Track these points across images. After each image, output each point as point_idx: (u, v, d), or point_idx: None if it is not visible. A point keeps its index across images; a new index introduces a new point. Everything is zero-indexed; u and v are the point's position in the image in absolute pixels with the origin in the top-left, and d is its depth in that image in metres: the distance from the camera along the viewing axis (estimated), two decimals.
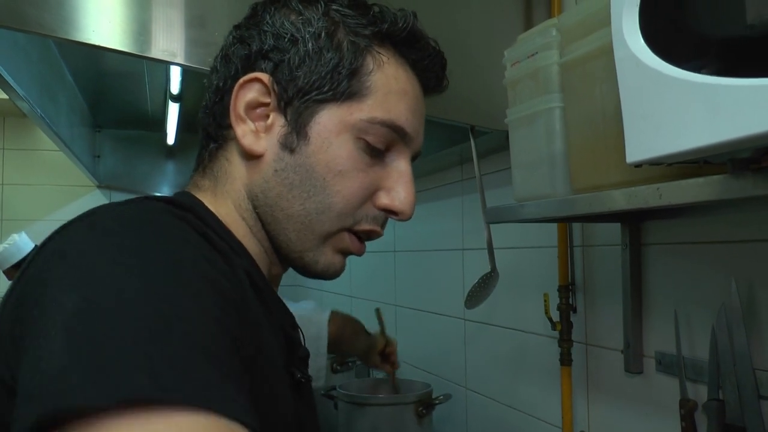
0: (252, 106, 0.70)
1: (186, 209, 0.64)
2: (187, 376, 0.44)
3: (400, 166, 0.73)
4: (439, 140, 1.92)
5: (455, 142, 1.80)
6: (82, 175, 4.14)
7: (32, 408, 0.42)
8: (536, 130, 1.05)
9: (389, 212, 0.74)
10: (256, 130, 0.70)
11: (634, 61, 0.66)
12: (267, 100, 0.70)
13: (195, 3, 1.17)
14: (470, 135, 1.50)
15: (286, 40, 0.69)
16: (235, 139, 0.71)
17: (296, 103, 0.69)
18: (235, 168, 0.72)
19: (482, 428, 1.88)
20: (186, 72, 2.14)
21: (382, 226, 0.75)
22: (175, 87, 2.55)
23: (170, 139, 3.78)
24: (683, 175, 0.77)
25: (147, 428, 0.41)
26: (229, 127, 0.71)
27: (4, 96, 3.65)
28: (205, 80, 0.77)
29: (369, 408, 1.71)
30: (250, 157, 0.71)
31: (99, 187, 4.43)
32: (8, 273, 3.54)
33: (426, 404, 1.73)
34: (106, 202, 4.42)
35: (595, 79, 0.89)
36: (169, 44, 1.15)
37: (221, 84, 0.72)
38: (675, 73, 0.62)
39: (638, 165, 0.70)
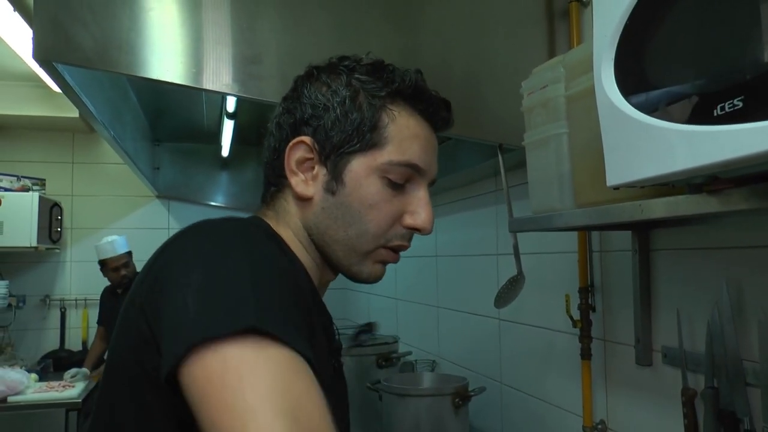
0: (300, 162, 0.89)
1: (260, 225, 0.88)
2: (277, 323, 0.65)
3: (419, 194, 0.92)
4: (474, 155, 2.08)
5: (489, 157, 1.97)
6: (143, 186, 4.39)
7: (181, 341, 0.63)
8: (547, 153, 1.21)
9: (414, 230, 0.92)
10: (306, 180, 0.90)
11: (610, 104, 0.83)
12: (311, 155, 0.89)
13: (253, 42, 1.36)
14: (498, 152, 1.65)
15: (320, 108, 0.88)
16: (290, 186, 0.91)
17: (333, 156, 0.88)
18: (291, 206, 0.92)
19: (514, 419, 2.04)
20: None
21: (409, 240, 0.94)
22: (230, 106, 2.75)
23: (225, 152, 4.01)
24: (662, 194, 0.92)
25: (252, 349, 0.62)
26: (285, 177, 0.90)
27: (74, 114, 3.91)
28: (264, 141, 0.97)
29: (409, 399, 1.88)
30: (303, 200, 0.90)
31: (158, 197, 4.68)
32: (119, 257, 3.80)
33: (462, 396, 1.89)
34: (165, 211, 4.71)
35: (592, 110, 1.04)
36: (229, 78, 1.34)
37: (276, 145, 0.92)
38: (639, 116, 0.78)
39: (616, 188, 0.86)
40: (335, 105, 0.87)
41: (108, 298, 4.02)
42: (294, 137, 0.89)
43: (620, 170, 0.83)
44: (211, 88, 1.32)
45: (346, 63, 0.90)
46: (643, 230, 1.39)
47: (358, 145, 0.87)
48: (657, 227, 1.38)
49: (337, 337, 0.98)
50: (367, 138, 0.87)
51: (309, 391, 0.63)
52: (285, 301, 0.70)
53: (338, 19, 1.45)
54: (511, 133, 1.58)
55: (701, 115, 0.68)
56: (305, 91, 0.90)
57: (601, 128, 0.86)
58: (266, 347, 0.63)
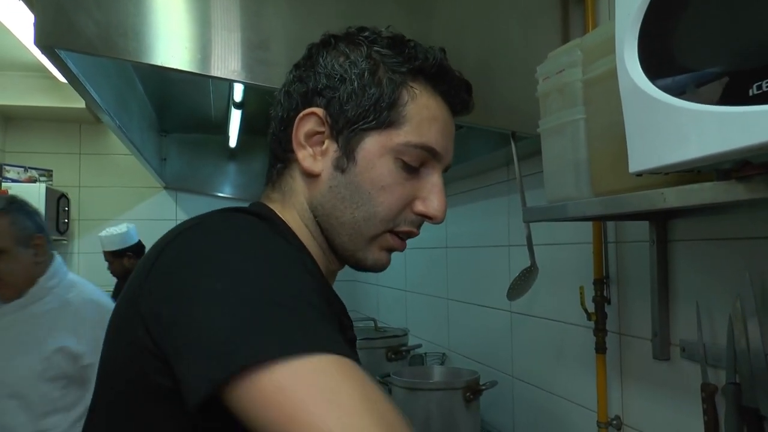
0: (310, 135, 0.84)
1: (266, 219, 0.82)
2: (323, 334, 0.61)
3: (433, 179, 0.86)
4: (486, 143, 2.04)
5: (501, 146, 1.93)
6: (150, 177, 4.37)
7: (225, 364, 0.57)
8: (564, 140, 1.17)
9: (425, 217, 0.87)
10: (314, 154, 0.84)
11: (634, 85, 0.78)
12: (322, 129, 0.83)
13: (261, 28, 1.32)
14: (511, 140, 1.61)
15: (336, 79, 0.82)
16: (297, 161, 0.85)
17: (346, 131, 0.82)
18: (297, 184, 0.87)
19: (526, 414, 2.00)
20: None
21: (418, 227, 0.89)
22: (238, 95, 2.72)
23: (232, 142, 3.98)
24: (685, 181, 0.88)
25: (308, 366, 0.57)
26: (292, 151, 0.85)
27: (81, 105, 3.90)
28: (271, 110, 0.91)
29: (420, 393, 1.85)
30: (310, 176, 0.85)
31: (165, 188, 4.67)
32: (107, 254, 3.83)
33: (473, 390, 1.85)
34: (173, 202, 4.70)
35: (611, 95, 1.00)
36: (236, 65, 1.30)
37: (285, 116, 0.86)
38: (665, 98, 0.74)
39: (639, 174, 0.82)
40: (353, 77, 0.82)
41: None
42: (305, 108, 0.84)
43: (644, 156, 0.79)
44: (218, 75, 1.29)
45: (366, 34, 0.85)
46: (661, 220, 1.35)
47: (374, 122, 0.82)
48: (675, 217, 1.34)
49: (351, 329, 0.94)
50: (384, 116, 0.81)
51: (384, 397, 0.59)
52: (318, 306, 0.65)
53: (347, 5, 1.41)
54: (524, 121, 1.54)
55: (735, 95, 0.64)
56: (321, 60, 0.84)
57: (623, 112, 0.81)
58: (327, 360, 0.58)
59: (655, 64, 0.76)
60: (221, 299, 0.62)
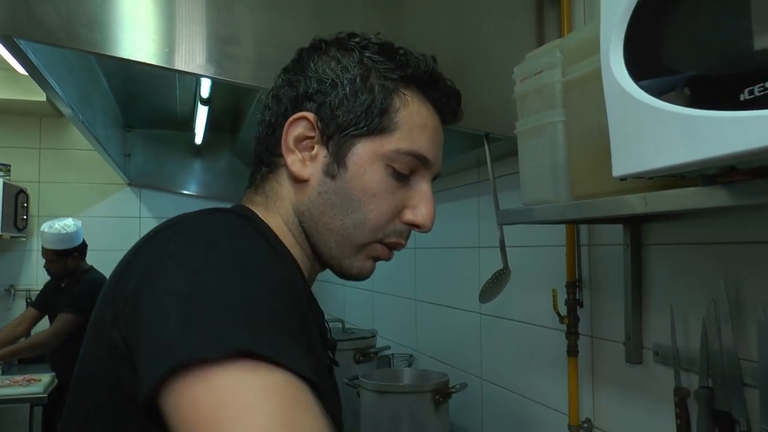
0: (299, 140, 0.83)
1: (248, 219, 0.80)
2: (274, 342, 0.58)
3: (422, 188, 0.86)
4: (457, 144, 2.02)
5: (472, 146, 1.91)
6: (113, 173, 4.29)
7: (162, 362, 0.56)
8: (541, 142, 1.15)
9: (413, 226, 0.86)
10: (303, 159, 0.83)
11: (619, 88, 0.77)
12: (312, 134, 0.83)
13: (230, 21, 1.28)
14: (485, 142, 1.60)
15: (327, 84, 0.82)
16: (285, 166, 0.84)
17: (336, 137, 0.82)
18: (284, 189, 0.85)
19: (496, 416, 1.99)
20: None
21: (406, 239, 0.88)
22: (205, 91, 2.67)
23: (198, 139, 3.92)
24: (667, 185, 0.87)
25: (246, 377, 0.55)
26: (280, 155, 0.84)
27: (41, 98, 3.80)
28: (258, 115, 0.90)
29: (389, 396, 1.82)
30: (298, 181, 0.84)
31: (129, 184, 4.58)
32: (49, 252, 3.54)
33: (443, 393, 1.83)
34: (136, 199, 4.61)
35: (592, 98, 0.99)
36: (203, 59, 1.27)
37: (273, 120, 0.85)
38: (652, 101, 0.72)
39: (623, 178, 0.80)
40: (345, 82, 0.81)
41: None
42: (294, 112, 0.83)
43: (628, 160, 0.78)
44: (184, 69, 1.25)
45: (357, 40, 0.84)
46: (636, 223, 1.35)
47: (365, 129, 0.81)
48: (650, 220, 1.33)
49: (329, 334, 0.93)
50: (376, 122, 0.81)
51: (312, 424, 0.56)
52: (281, 312, 0.63)
53: (319, 0, 1.38)
54: (498, 123, 1.53)
55: (726, 100, 0.62)
56: (311, 64, 0.84)
57: (607, 115, 0.80)
58: (262, 373, 0.55)
59: (641, 67, 0.75)
60: (174, 297, 0.61)
